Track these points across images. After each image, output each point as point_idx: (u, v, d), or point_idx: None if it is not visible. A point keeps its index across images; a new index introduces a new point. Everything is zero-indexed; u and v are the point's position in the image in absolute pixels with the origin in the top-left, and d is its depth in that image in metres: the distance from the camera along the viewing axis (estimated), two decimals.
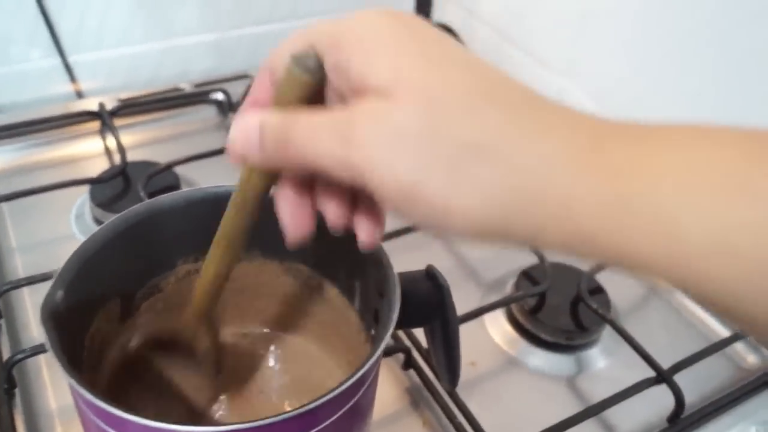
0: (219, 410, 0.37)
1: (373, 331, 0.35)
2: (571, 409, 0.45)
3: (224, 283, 0.32)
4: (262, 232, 0.36)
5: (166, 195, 0.34)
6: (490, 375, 0.48)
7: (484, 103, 0.22)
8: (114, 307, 0.34)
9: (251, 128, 0.25)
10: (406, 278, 0.31)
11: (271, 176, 0.27)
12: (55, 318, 0.28)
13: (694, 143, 0.21)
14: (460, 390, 0.43)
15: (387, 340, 0.28)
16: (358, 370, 0.27)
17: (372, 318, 0.35)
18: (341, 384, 0.26)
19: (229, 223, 0.29)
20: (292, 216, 0.27)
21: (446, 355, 0.34)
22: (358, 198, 0.27)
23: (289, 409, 0.32)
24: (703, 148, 0.20)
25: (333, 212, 0.26)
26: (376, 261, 0.32)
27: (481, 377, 0.48)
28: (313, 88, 0.24)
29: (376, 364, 0.29)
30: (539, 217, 0.21)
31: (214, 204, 0.35)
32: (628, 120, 0.22)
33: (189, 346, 0.35)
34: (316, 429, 0.27)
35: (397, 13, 0.24)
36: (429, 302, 0.32)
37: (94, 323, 0.33)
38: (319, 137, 0.23)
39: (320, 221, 0.28)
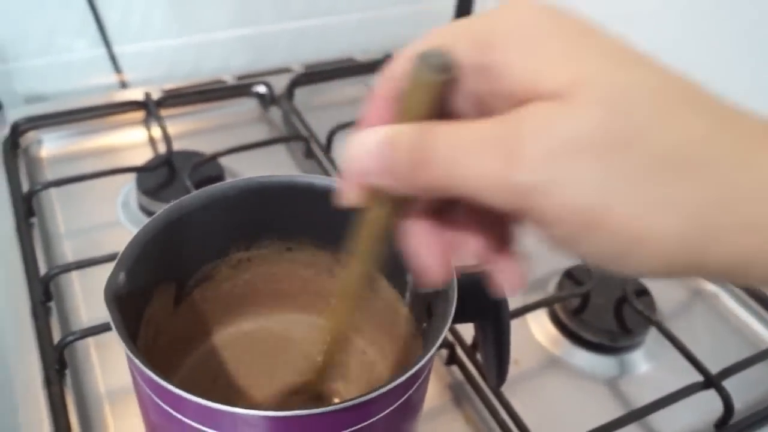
0: (269, 401, 0.37)
1: (425, 325, 0.35)
2: (613, 411, 0.45)
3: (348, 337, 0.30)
4: (314, 221, 0.37)
5: (216, 184, 0.35)
6: (532, 374, 0.48)
7: (684, 109, 0.18)
8: (168, 292, 0.35)
9: (379, 143, 0.20)
10: (461, 273, 0.31)
11: (401, 206, 0.22)
12: (117, 300, 0.28)
13: None
14: (503, 387, 0.43)
15: (444, 335, 0.28)
16: (414, 364, 0.27)
17: (423, 312, 0.34)
18: (397, 377, 0.26)
19: (352, 274, 0.26)
20: (434, 254, 0.22)
21: (496, 353, 0.34)
22: (502, 232, 0.23)
23: (337, 400, 0.32)
24: None
25: (474, 248, 0.22)
26: None
27: (524, 376, 0.47)
28: (443, 90, 0.21)
29: (431, 359, 0.29)
30: (751, 246, 0.18)
31: (266, 193, 0.35)
32: None
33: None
34: (368, 422, 0.27)
35: (550, 5, 0.20)
36: (483, 299, 0.32)
37: (149, 309, 0.33)
38: (474, 154, 0.18)
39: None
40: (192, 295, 0.36)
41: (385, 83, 0.22)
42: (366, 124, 0.22)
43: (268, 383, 0.37)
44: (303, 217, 0.37)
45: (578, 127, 0.18)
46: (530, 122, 0.18)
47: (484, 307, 0.32)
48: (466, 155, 0.19)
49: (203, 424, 0.26)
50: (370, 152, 0.21)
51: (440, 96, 0.21)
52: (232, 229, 0.36)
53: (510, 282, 0.23)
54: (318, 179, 0.35)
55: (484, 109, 0.20)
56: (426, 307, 0.34)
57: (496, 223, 0.23)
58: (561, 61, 0.19)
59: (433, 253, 0.23)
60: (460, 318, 0.31)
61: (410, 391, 0.29)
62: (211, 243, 0.36)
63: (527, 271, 0.23)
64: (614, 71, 0.18)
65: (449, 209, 0.23)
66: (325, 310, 0.41)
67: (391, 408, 0.28)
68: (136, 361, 0.25)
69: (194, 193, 0.34)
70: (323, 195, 0.35)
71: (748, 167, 0.18)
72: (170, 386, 0.24)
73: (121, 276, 0.29)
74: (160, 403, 0.26)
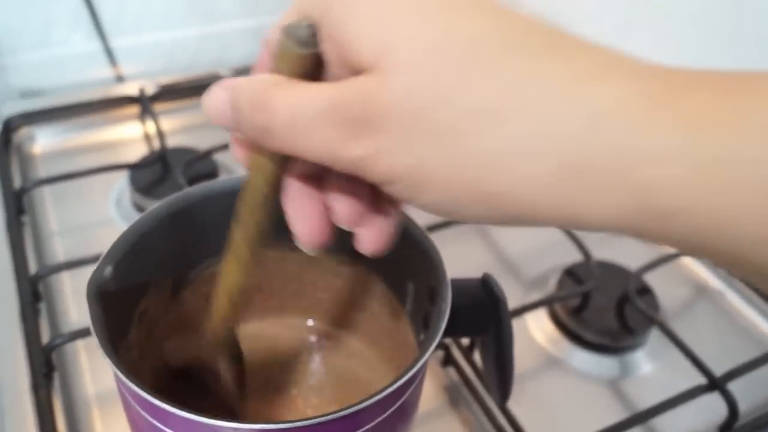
0: (261, 407, 0.36)
1: (422, 336, 0.34)
2: (615, 412, 0.44)
3: (246, 296, 0.28)
4: None
5: (218, 179, 0.34)
6: (531, 374, 0.47)
7: (502, 53, 0.18)
8: (164, 287, 0.34)
9: (221, 92, 0.22)
10: (461, 286, 0.30)
11: (276, 167, 0.23)
12: (103, 295, 0.27)
13: None
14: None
15: (435, 346, 0.27)
16: (406, 371, 0.26)
17: (420, 323, 0.33)
18: (389, 385, 0.25)
19: (244, 220, 0.26)
20: (303, 217, 0.23)
21: (498, 368, 0.33)
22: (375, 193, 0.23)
23: (333, 407, 0.31)
24: None
25: (341, 208, 0.23)
26: (432, 266, 0.30)
27: (522, 376, 0.46)
28: (309, 62, 0.21)
29: (424, 366, 0.28)
30: (584, 187, 0.17)
31: None
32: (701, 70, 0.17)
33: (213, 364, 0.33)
34: (361, 430, 0.26)
35: None
36: (482, 313, 0.31)
37: (143, 302, 0.32)
38: (307, 124, 0.20)
39: None
40: (189, 291, 0.35)
41: (263, 51, 0.23)
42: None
43: (263, 387, 0.36)
44: None
45: (390, 99, 0.18)
46: (353, 95, 0.19)
47: (483, 321, 0.31)
48: (301, 126, 0.20)
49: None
50: (214, 102, 0.22)
51: (304, 65, 0.21)
52: (230, 226, 0.35)
53: (372, 241, 0.23)
54: None
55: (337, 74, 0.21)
56: (423, 319, 0.33)
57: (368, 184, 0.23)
58: (376, 26, 0.19)
59: (308, 216, 0.23)
60: (455, 332, 0.30)
61: (403, 398, 0.28)
62: (209, 239, 0.35)
63: (393, 230, 0.24)
64: (429, 27, 0.18)
65: (325, 172, 0.23)
66: (318, 314, 0.40)
67: (384, 415, 0.27)
68: (120, 374, 0.24)
69: (194, 187, 0.33)
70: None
71: (579, 104, 0.17)
72: (154, 399, 0.24)
73: (108, 270, 0.28)
74: (142, 413, 0.26)
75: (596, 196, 0.17)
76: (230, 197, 0.33)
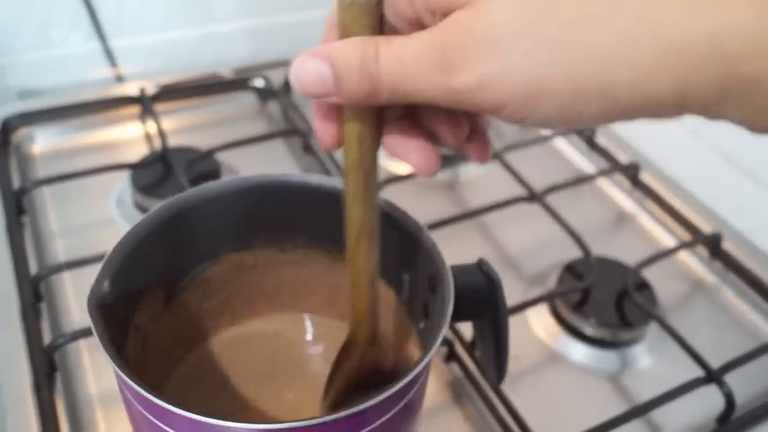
0: (265, 404, 0.36)
1: (421, 325, 0.34)
2: (615, 406, 0.44)
3: (377, 278, 0.29)
4: (307, 220, 0.36)
5: (209, 183, 0.34)
6: (532, 369, 0.47)
7: None
8: (157, 296, 0.34)
9: (319, 63, 0.22)
10: (458, 272, 0.30)
11: (372, 119, 0.24)
12: (102, 308, 0.27)
13: None
14: (503, 384, 0.42)
15: (441, 340, 0.27)
16: (411, 369, 0.26)
17: (420, 312, 0.34)
18: (394, 384, 0.25)
19: (354, 201, 0.26)
20: (416, 150, 0.25)
21: (495, 351, 0.33)
22: (469, 116, 0.25)
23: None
24: None
25: (449, 135, 0.25)
26: (429, 255, 0.31)
27: (524, 371, 0.47)
28: (377, 13, 0.22)
29: (429, 363, 0.28)
30: (683, 69, 0.19)
31: (258, 193, 0.35)
32: None
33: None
34: (367, 429, 0.26)
35: None
36: (480, 297, 0.31)
37: (138, 312, 0.32)
38: (415, 67, 0.21)
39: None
40: (182, 299, 0.35)
41: (330, 13, 0.24)
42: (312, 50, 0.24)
43: (265, 388, 0.36)
44: (296, 217, 0.36)
45: (492, 25, 0.20)
46: (451, 32, 0.20)
47: (481, 304, 0.32)
48: (408, 69, 0.21)
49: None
50: (311, 72, 0.22)
51: (371, 19, 0.22)
52: (224, 230, 0.35)
53: (478, 156, 0.26)
54: (313, 178, 0.35)
55: (417, 26, 0.22)
56: (422, 307, 0.34)
57: (461, 112, 0.25)
58: None
59: (418, 147, 0.25)
60: (456, 317, 0.31)
61: (408, 396, 0.28)
62: (201, 244, 0.35)
63: (490, 145, 0.27)
64: None
65: (417, 111, 0.25)
66: (315, 309, 0.40)
67: (390, 414, 0.27)
68: (123, 375, 0.24)
69: (185, 193, 0.33)
70: (317, 194, 0.34)
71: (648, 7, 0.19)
72: (157, 399, 0.24)
73: (106, 284, 0.28)
74: (149, 416, 0.26)
75: (697, 73, 0.19)
76: (216, 202, 0.34)
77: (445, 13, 0.21)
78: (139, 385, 0.24)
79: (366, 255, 0.28)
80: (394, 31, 0.23)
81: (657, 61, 0.19)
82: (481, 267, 0.31)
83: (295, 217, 0.36)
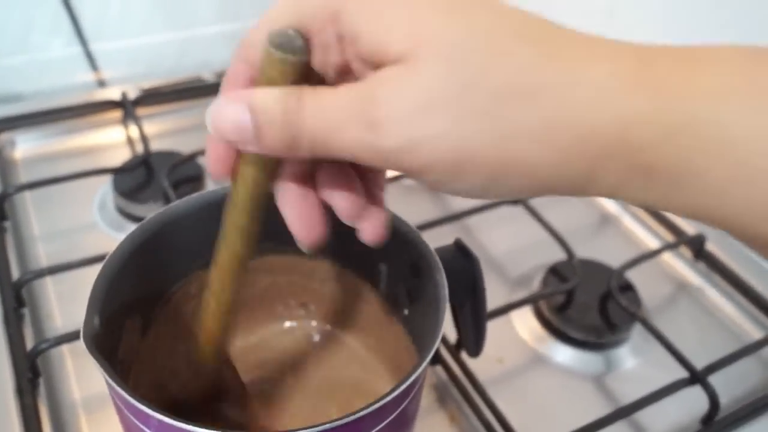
0: (256, 414, 0.36)
1: (406, 312, 0.34)
2: (600, 408, 0.45)
3: (236, 306, 0.28)
4: (271, 227, 0.36)
5: (179, 201, 0.34)
6: (517, 372, 0.47)
7: (514, 43, 0.20)
8: (136, 321, 0.33)
9: (244, 110, 0.21)
10: (440, 254, 0.31)
11: (271, 168, 0.23)
12: (96, 343, 0.27)
13: (754, 65, 0.19)
14: (488, 386, 0.43)
15: (436, 346, 0.28)
16: (407, 376, 0.26)
17: (404, 298, 0.34)
18: (390, 392, 0.25)
19: (230, 234, 0.25)
20: (301, 217, 0.24)
21: (474, 324, 0.34)
22: (366, 184, 0.24)
23: (327, 406, 0.31)
24: (765, 70, 0.19)
25: (344, 204, 0.24)
26: (410, 242, 0.32)
27: (509, 374, 0.47)
28: (303, 69, 0.21)
29: (425, 371, 0.28)
30: (595, 153, 0.20)
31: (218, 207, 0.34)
32: (668, 45, 0.21)
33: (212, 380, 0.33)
34: None
35: None
36: (460, 275, 0.32)
37: (122, 341, 0.32)
38: (340, 123, 0.20)
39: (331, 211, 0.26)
40: (159, 323, 0.35)
41: (238, 57, 0.23)
42: (227, 90, 0.23)
43: (258, 399, 0.36)
44: (264, 224, 0.36)
45: (424, 87, 0.19)
46: (382, 89, 0.20)
47: (461, 282, 0.33)
48: (332, 122, 0.20)
49: None
50: (230, 118, 0.21)
51: (298, 75, 0.21)
52: (193, 246, 0.35)
53: (374, 232, 0.25)
54: None
55: (348, 74, 0.22)
56: (406, 293, 0.34)
57: (362, 178, 0.24)
58: (402, 24, 0.20)
59: (305, 215, 0.24)
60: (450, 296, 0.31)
61: (405, 403, 0.28)
62: (174, 263, 0.35)
63: (388, 220, 0.25)
64: (449, 23, 0.20)
65: (316, 171, 0.24)
66: (298, 314, 0.40)
67: (386, 421, 0.27)
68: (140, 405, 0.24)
69: (154, 214, 0.32)
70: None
71: (577, 82, 0.19)
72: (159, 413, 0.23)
73: (96, 319, 0.28)
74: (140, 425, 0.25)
75: (606, 158, 0.20)
76: (182, 221, 0.33)
77: (377, 65, 0.20)
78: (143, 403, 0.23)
79: (226, 287, 0.27)
80: (321, 83, 0.23)
81: (573, 144, 0.20)
82: (459, 246, 0.33)
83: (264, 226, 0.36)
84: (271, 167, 0.23)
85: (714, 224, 0.20)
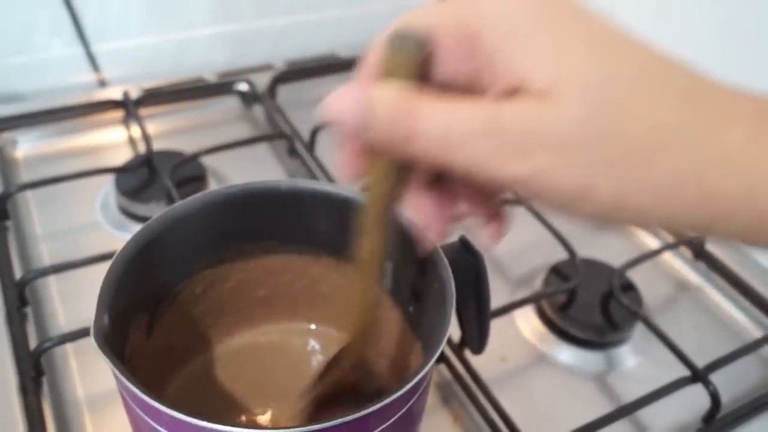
0: (264, 411, 0.36)
1: (410, 309, 0.34)
2: (602, 406, 0.45)
3: (378, 306, 0.29)
4: (277, 226, 0.36)
5: (183, 201, 0.34)
6: (520, 370, 0.47)
7: (654, 95, 0.20)
8: (142, 320, 0.33)
9: (359, 99, 0.22)
10: (445, 251, 0.31)
11: (397, 178, 0.23)
12: (107, 341, 0.27)
13: None
14: (491, 385, 0.43)
15: (443, 344, 0.28)
16: (414, 375, 0.26)
17: (408, 296, 0.35)
18: (398, 389, 0.25)
19: (368, 241, 0.26)
20: (431, 221, 0.25)
21: (477, 320, 0.35)
22: (493, 196, 0.26)
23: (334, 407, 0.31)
24: None
25: (467, 215, 0.25)
26: (413, 240, 0.32)
27: (511, 373, 0.47)
28: (423, 66, 0.22)
29: (431, 369, 0.28)
30: (717, 208, 0.21)
31: (230, 203, 0.34)
32: None
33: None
34: None
35: None
36: (465, 272, 0.32)
37: (129, 340, 0.32)
38: (464, 139, 0.21)
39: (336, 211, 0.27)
40: (164, 322, 0.35)
41: (372, 55, 0.23)
42: (357, 80, 0.24)
43: (263, 398, 0.36)
44: (269, 223, 0.36)
45: (560, 126, 0.20)
46: (518, 120, 0.20)
47: (466, 279, 0.33)
48: (455, 141, 0.21)
49: None
50: (345, 105, 0.22)
51: (417, 69, 0.22)
52: (197, 245, 0.35)
53: (490, 238, 0.26)
54: (282, 183, 0.35)
55: (467, 81, 0.22)
56: (411, 291, 0.34)
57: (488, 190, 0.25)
58: (544, 59, 0.20)
59: (432, 220, 0.25)
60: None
61: (411, 401, 0.28)
62: (179, 262, 0.35)
63: (507, 227, 0.26)
64: (594, 66, 0.20)
65: (445, 178, 0.25)
66: (309, 316, 0.40)
67: (392, 419, 0.27)
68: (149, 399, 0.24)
69: (159, 214, 0.33)
70: (287, 198, 0.35)
71: (712, 145, 0.20)
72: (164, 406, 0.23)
73: (105, 317, 0.28)
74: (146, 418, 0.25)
75: (726, 217, 0.21)
76: (185, 221, 0.33)
77: (510, 92, 0.21)
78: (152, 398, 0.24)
79: (370, 281, 0.28)
80: (439, 82, 0.23)
81: (694, 203, 0.20)
82: (464, 243, 0.33)
83: (265, 224, 0.36)
84: (401, 167, 0.23)
85: None
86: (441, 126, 0.21)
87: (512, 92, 0.21)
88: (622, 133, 0.20)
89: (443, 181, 0.25)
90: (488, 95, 0.22)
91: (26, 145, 0.61)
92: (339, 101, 0.22)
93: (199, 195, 0.34)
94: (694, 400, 0.44)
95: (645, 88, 0.20)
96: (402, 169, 0.24)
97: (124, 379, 0.24)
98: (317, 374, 0.33)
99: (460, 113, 0.21)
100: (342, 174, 0.25)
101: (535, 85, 0.20)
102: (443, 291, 0.30)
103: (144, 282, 0.32)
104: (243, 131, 0.66)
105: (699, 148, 0.20)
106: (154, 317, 0.34)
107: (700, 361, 0.45)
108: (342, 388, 0.33)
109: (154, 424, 0.25)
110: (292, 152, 0.62)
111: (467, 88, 0.22)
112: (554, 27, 0.21)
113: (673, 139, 0.20)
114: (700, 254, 0.57)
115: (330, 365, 0.33)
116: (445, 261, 0.31)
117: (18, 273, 0.47)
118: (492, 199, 0.26)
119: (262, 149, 0.64)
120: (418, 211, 0.25)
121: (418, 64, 0.22)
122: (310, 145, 0.61)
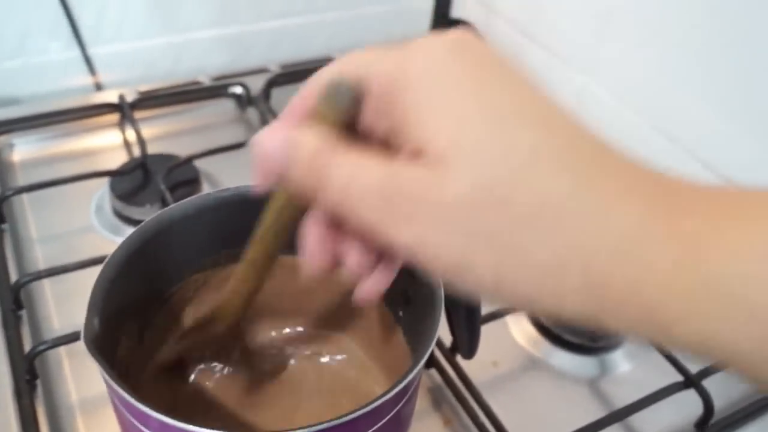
0: (254, 416, 0.36)
1: (401, 313, 0.35)
2: (594, 411, 0.45)
3: (252, 299, 0.31)
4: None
5: (175, 205, 0.34)
6: (512, 375, 0.47)
7: (552, 168, 0.19)
8: (133, 323, 0.33)
9: (284, 141, 0.22)
10: None
11: (298, 206, 0.25)
12: (96, 345, 0.27)
13: None
14: (483, 390, 0.43)
15: (432, 348, 0.28)
16: (402, 378, 0.26)
17: (400, 299, 0.35)
18: (386, 393, 0.26)
19: (259, 241, 0.28)
20: (313, 253, 0.25)
21: (468, 325, 0.34)
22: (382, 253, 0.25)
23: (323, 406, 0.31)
24: None
25: (354, 259, 0.25)
26: None
27: (503, 378, 0.47)
28: (351, 117, 0.23)
29: (420, 372, 0.28)
30: (602, 299, 0.19)
31: (223, 207, 0.35)
32: (700, 183, 0.20)
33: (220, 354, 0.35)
34: None
35: (465, 45, 0.21)
36: None
37: (120, 345, 0.32)
38: (361, 199, 0.21)
39: None
40: (156, 324, 0.35)
41: (305, 93, 0.24)
42: (284, 117, 0.25)
43: (253, 402, 0.36)
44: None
45: (445, 195, 0.20)
46: (408, 185, 0.20)
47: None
48: (352, 198, 0.21)
49: None
50: (273, 147, 0.23)
51: (344, 117, 0.22)
52: (188, 249, 0.35)
53: (369, 292, 0.26)
54: (275, 187, 0.35)
55: (386, 135, 0.22)
56: (402, 294, 0.34)
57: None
58: (446, 125, 0.20)
59: (320, 252, 0.25)
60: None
61: (399, 405, 0.28)
62: (170, 267, 0.35)
63: (387, 284, 0.26)
64: (495, 136, 0.20)
65: (343, 222, 0.24)
66: (301, 319, 0.40)
67: (381, 423, 0.27)
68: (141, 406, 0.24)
69: (150, 218, 0.33)
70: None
71: (599, 225, 0.19)
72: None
73: (96, 321, 0.28)
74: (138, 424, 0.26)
75: (613, 309, 0.19)
76: (179, 225, 0.33)
77: (414, 152, 0.21)
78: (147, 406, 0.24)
79: (250, 283, 0.30)
80: (364, 140, 0.23)
81: (579, 291, 0.19)
82: None
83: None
84: (299, 206, 0.25)
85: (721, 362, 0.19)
86: (345, 178, 0.21)
87: (416, 155, 0.21)
88: (508, 205, 0.19)
89: (341, 226, 0.25)
90: (401, 154, 0.21)
91: (23, 148, 0.61)
92: (266, 139, 0.23)
93: (191, 198, 0.34)
94: (686, 406, 0.44)
95: (543, 159, 0.19)
96: (300, 205, 0.25)
97: (113, 383, 0.24)
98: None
99: (364, 169, 0.21)
100: (254, 185, 0.25)
101: (432, 151, 0.20)
102: (432, 295, 0.30)
103: (135, 286, 0.32)
104: (237, 134, 0.66)
105: (588, 228, 0.19)
106: (146, 321, 0.34)
107: (694, 367, 0.45)
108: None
109: (142, 428, 0.25)
110: None
111: (387, 142, 0.22)
112: (470, 93, 0.20)
113: (562, 215, 0.19)
114: None
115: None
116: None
117: (13, 276, 0.47)
118: (385, 254, 0.25)
119: None
120: (308, 239, 0.25)
121: (344, 113, 0.22)
122: None
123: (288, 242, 0.27)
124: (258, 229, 0.27)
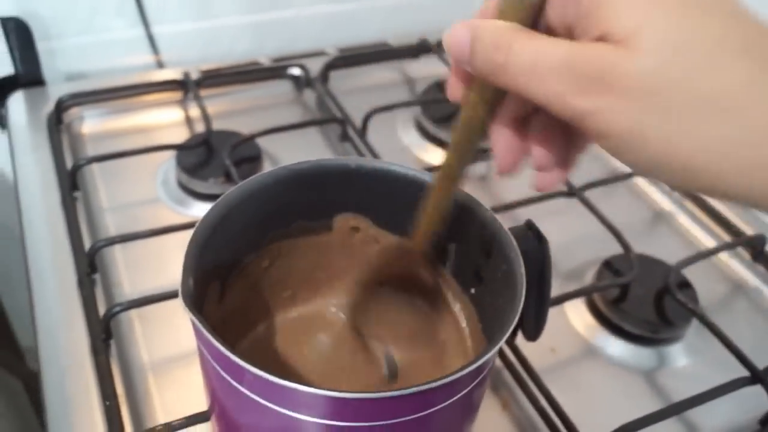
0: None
1: (473, 290, 0.35)
2: (650, 403, 0.45)
3: (447, 212, 0.32)
4: (347, 202, 0.37)
5: (257, 175, 0.34)
6: (569, 362, 0.47)
7: (732, 57, 0.21)
8: (215, 288, 0.34)
9: (466, 31, 0.25)
10: (514, 234, 0.32)
11: (492, 101, 0.27)
12: (193, 302, 0.28)
13: None
14: (541, 374, 0.43)
15: (515, 321, 0.28)
16: (480, 356, 0.26)
17: (471, 277, 0.35)
18: (464, 367, 0.26)
19: (458, 147, 0.29)
20: (502, 153, 0.27)
21: (537, 306, 0.34)
22: (569, 143, 0.27)
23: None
24: None
25: (540, 154, 0.27)
26: (483, 222, 0.33)
27: (561, 364, 0.47)
28: (533, 12, 0.24)
29: (496, 353, 0.28)
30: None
31: (301, 179, 0.35)
32: None
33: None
34: (426, 413, 0.27)
35: None
36: (530, 256, 0.32)
37: (204, 306, 0.33)
38: (545, 74, 0.23)
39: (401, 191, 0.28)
40: (233, 290, 0.36)
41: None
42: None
43: (322, 366, 0.37)
44: (336, 200, 0.37)
45: (627, 71, 0.21)
46: (594, 62, 0.22)
47: (530, 263, 0.33)
48: (538, 73, 0.23)
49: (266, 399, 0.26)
50: (455, 37, 0.25)
51: (526, 14, 0.24)
52: (268, 219, 0.36)
53: (546, 184, 0.28)
54: (351, 161, 0.35)
55: (569, 27, 0.24)
56: (474, 272, 0.34)
57: (566, 138, 0.27)
58: (632, 11, 0.21)
59: (510, 149, 0.27)
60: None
61: (473, 384, 0.28)
62: (251, 235, 0.36)
63: (563, 180, 0.28)
64: (679, 22, 0.21)
65: (531, 120, 0.27)
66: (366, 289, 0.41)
67: (455, 398, 0.27)
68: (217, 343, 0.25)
69: (236, 187, 0.33)
70: (357, 175, 0.35)
71: None
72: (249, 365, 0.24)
73: (190, 281, 0.29)
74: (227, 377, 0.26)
75: None
76: (260, 195, 0.34)
77: (598, 36, 0.22)
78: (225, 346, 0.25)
79: (444, 191, 0.31)
80: (545, 28, 0.25)
81: (748, 170, 0.21)
82: (531, 227, 0.33)
83: (332, 202, 0.37)
84: (492, 99, 0.27)
85: None
86: (529, 59, 0.23)
87: (599, 40, 0.22)
88: (688, 89, 0.21)
89: (526, 123, 0.27)
90: (576, 38, 0.23)
91: (91, 121, 0.63)
92: (451, 34, 0.25)
93: (272, 170, 0.34)
94: (749, 402, 0.44)
95: (725, 47, 0.21)
96: (492, 102, 0.27)
97: (210, 337, 0.25)
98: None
99: (547, 48, 0.23)
100: (450, 94, 0.28)
101: (618, 31, 0.21)
102: (512, 273, 0.30)
103: (218, 252, 0.33)
104: (295, 115, 0.67)
105: (762, 115, 0.20)
106: (225, 285, 0.35)
107: (758, 363, 0.44)
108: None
109: (235, 384, 0.26)
110: (344, 137, 0.62)
111: (568, 36, 0.24)
112: None
113: (737, 101, 0.20)
114: (759, 256, 0.56)
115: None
116: (514, 243, 0.31)
117: (87, 242, 0.48)
118: (567, 147, 0.27)
119: (313, 133, 0.65)
120: (496, 140, 0.27)
121: (526, 10, 0.24)
122: (362, 131, 0.62)
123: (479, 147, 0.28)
124: (452, 141, 0.29)
